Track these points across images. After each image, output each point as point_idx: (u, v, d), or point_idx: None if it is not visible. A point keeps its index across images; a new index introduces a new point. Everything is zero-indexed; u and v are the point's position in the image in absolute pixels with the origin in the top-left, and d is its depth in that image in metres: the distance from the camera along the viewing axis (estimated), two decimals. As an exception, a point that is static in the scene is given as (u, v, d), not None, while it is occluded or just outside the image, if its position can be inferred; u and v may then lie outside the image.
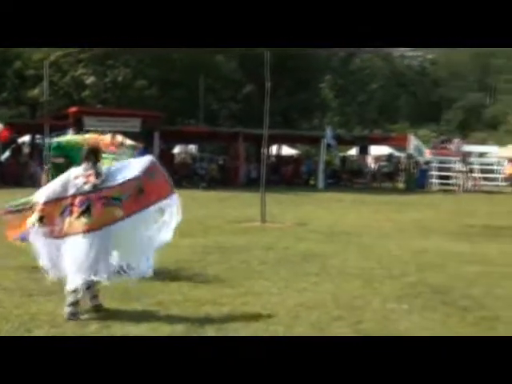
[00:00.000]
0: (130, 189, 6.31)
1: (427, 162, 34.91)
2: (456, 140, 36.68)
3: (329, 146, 32.84)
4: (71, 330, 5.80)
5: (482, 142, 51.03)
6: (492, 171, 36.08)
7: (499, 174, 35.69)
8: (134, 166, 6.47)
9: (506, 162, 37.61)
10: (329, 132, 32.61)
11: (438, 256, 10.72)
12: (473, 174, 34.12)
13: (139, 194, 6.34)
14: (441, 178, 34.39)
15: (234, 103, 38.97)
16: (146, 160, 6.59)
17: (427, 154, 35.37)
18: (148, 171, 6.43)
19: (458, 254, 11.00)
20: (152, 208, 6.46)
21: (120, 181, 6.29)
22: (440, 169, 34.66)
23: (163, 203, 6.53)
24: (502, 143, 47.34)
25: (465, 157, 34.42)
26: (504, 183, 35.26)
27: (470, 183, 33.47)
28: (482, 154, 39.91)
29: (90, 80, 31.88)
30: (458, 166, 33.78)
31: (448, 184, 33.91)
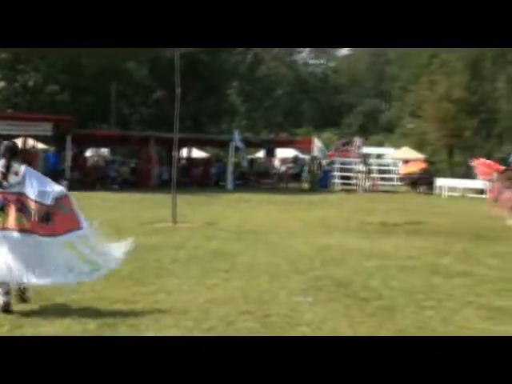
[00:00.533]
0: (40, 211, 6.23)
1: (330, 163, 35.68)
2: (356, 139, 37.63)
3: (237, 148, 33.02)
4: (-18, 331, 5.60)
5: (379, 145, 52.64)
6: (388, 172, 37.20)
7: (395, 174, 36.83)
8: (48, 188, 6.36)
9: (400, 163, 38.96)
10: (237, 135, 32.81)
11: (340, 251, 10.96)
12: (371, 175, 35.10)
13: (47, 221, 6.26)
14: (342, 178, 35.20)
15: (145, 108, 38.55)
16: (60, 191, 6.47)
17: (330, 157, 36.20)
18: (59, 203, 6.37)
19: (359, 249, 11.29)
20: (60, 238, 6.33)
21: (35, 197, 6.22)
22: (342, 170, 35.47)
23: (71, 235, 6.42)
24: (397, 145, 49.02)
25: (364, 158, 35.39)
26: (399, 183, 36.43)
27: (368, 183, 34.42)
28: (379, 156, 41.12)
29: (-1, 85, 30.85)
30: (358, 167, 34.68)
31: (349, 184, 34.74)
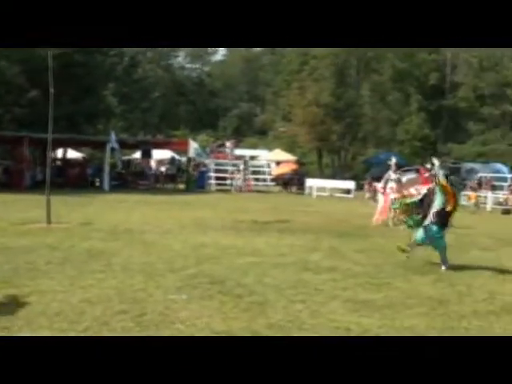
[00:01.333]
0: None
1: (205, 165, 35.80)
2: (228, 142, 38.05)
3: (113, 149, 32.41)
4: None
5: (253, 147, 53.44)
6: (262, 172, 37.81)
7: (268, 175, 37.50)
8: None
9: (273, 165, 39.73)
10: (113, 136, 32.19)
11: (215, 250, 10.98)
12: (246, 176, 35.54)
13: None
14: (218, 179, 35.40)
15: (18, 108, 36.86)
16: None
17: (206, 158, 36.31)
18: None
19: (232, 247, 11.37)
20: None
21: None
22: (217, 171, 35.66)
23: None
24: (270, 147, 50.01)
25: (238, 159, 35.80)
26: (272, 183, 37.14)
27: (243, 183, 34.82)
28: (253, 157, 41.73)
29: None
30: (233, 168, 35.02)
31: (225, 184, 35.00)
